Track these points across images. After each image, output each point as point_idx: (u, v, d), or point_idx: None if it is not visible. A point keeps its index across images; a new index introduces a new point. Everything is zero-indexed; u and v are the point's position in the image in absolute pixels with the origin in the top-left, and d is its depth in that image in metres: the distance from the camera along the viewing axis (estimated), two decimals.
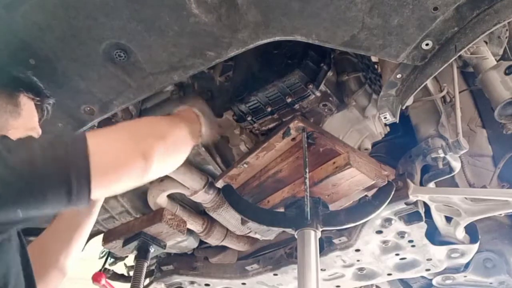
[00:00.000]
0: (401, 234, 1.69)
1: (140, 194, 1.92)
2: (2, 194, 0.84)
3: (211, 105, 1.59)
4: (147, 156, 1.04)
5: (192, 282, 2.21)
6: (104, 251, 2.18)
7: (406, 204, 1.53)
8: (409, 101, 1.34)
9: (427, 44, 1.09)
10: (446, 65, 1.08)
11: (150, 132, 1.13)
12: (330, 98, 1.50)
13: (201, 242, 2.14)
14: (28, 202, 0.87)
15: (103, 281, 2.05)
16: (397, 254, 1.81)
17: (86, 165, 0.91)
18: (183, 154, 1.24)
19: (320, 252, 1.62)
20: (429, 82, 1.52)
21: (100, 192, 0.96)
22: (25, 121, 1.15)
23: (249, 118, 1.55)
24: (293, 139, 1.48)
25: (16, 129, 1.12)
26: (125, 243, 1.83)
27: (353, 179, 1.38)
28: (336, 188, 1.41)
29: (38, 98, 1.20)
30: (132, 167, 1.02)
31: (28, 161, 0.87)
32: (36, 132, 1.19)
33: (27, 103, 1.17)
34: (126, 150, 1.03)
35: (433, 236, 1.71)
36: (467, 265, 1.81)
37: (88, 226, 1.42)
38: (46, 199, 0.88)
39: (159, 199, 1.85)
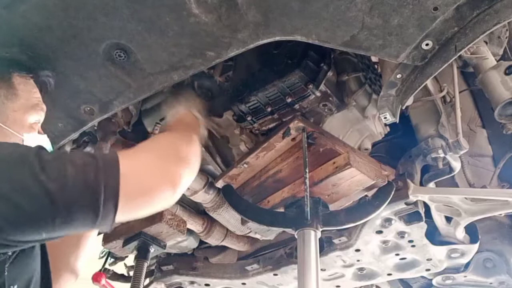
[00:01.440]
0: (401, 234, 1.69)
1: None
2: (31, 213, 0.83)
3: (211, 105, 1.59)
4: (175, 184, 1.05)
5: (192, 282, 2.21)
6: (104, 251, 2.17)
7: (406, 204, 1.53)
8: (409, 101, 1.34)
9: (427, 44, 1.09)
10: (446, 65, 1.08)
11: (176, 156, 1.13)
12: (330, 98, 1.50)
13: (201, 242, 2.14)
14: (53, 225, 0.86)
15: (103, 281, 2.04)
16: (397, 254, 1.81)
17: (115, 192, 0.90)
18: (198, 169, 1.24)
19: (320, 252, 1.62)
20: (429, 82, 1.51)
21: (124, 216, 0.96)
22: (24, 101, 1.13)
23: (249, 118, 1.55)
24: (293, 139, 1.48)
25: (17, 111, 1.11)
26: (125, 243, 1.83)
27: (353, 179, 1.38)
28: (336, 188, 1.41)
29: (31, 75, 1.18)
30: (161, 194, 1.02)
31: (59, 182, 0.86)
32: (41, 108, 1.18)
33: (22, 82, 1.15)
34: (157, 176, 1.03)
35: (433, 236, 1.71)
36: (467, 265, 1.81)
37: None
38: (72, 223, 0.88)
39: None
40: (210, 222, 2.01)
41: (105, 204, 0.88)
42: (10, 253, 0.88)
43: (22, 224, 0.83)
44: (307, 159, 1.38)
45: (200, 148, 1.28)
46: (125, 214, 0.94)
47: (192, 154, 1.19)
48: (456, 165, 1.45)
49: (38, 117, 1.17)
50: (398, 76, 1.25)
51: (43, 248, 1.05)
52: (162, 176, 1.03)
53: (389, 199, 1.42)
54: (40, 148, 0.93)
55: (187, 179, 1.11)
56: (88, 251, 1.41)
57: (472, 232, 1.71)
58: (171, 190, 1.04)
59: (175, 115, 1.43)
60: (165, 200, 1.04)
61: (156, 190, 1.01)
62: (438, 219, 1.64)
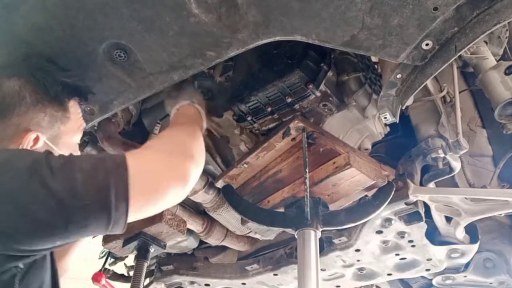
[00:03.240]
0: (401, 234, 1.69)
1: None
2: (43, 221, 0.85)
3: (211, 105, 1.59)
4: (185, 180, 1.06)
5: (192, 282, 2.22)
6: (104, 251, 2.18)
7: (406, 204, 1.53)
8: (409, 101, 1.34)
9: (427, 44, 1.09)
10: (446, 65, 1.08)
11: (183, 152, 1.14)
12: (330, 98, 1.50)
13: (201, 242, 2.14)
14: (67, 231, 0.88)
15: (103, 281, 2.04)
16: (397, 254, 1.81)
17: (125, 194, 0.91)
18: (203, 163, 1.25)
19: (320, 252, 1.62)
20: (429, 82, 1.51)
21: (136, 216, 0.97)
22: (73, 123, 1.19)
23: (249, 118, 1.55)
24: (293, 139, 1.48)
25: (67, 134, 1.16)
26: (125, 243, 1.83)
27: (353, 179, 1.38)
28: (336, 188, 1.41)
29: (83, 100, 1.25)
30: (172, 191, 1.03)
31: (69, 189, 0.88)
32: (83, 128, 1.24)
33: (73, 106, 1.21)
34: (166, 174, 1.04)
35: (433, 236, 1.71)
36: (467, 265, 1.81)
37: None
38: (86, 228, 0.90)
39: None
40: (210, 222, 2.01)
41: (117, 206, 0.90)
42: (21, 266, 0.89)
43: (36, 232, 0.85)
44: (307, 159, 1.38)
45: (203, 145, 1.29)
46: (137, 213, 0.96)
47: (198, 149, 1.21)
48: (456, 165, 1.45)
49: (80, 136, 1.23)
50: (398, 76, 1.25)
51: (52, 260, 1.05)
52: (172, 173, 1.05)
53: (389, 199, 1.42)
54: (49, 153, 0.95)
55: (196, 174, 1.13)
56: (80, 247, 1.43)
57: (472, 232, 1.71)
58: (182, 186, 1.05)
59: (178, 108, 1.44)
60: (177, 197, 1.06)
61: (167, 187, 1.02)
62: (438, 219, 1.64)
